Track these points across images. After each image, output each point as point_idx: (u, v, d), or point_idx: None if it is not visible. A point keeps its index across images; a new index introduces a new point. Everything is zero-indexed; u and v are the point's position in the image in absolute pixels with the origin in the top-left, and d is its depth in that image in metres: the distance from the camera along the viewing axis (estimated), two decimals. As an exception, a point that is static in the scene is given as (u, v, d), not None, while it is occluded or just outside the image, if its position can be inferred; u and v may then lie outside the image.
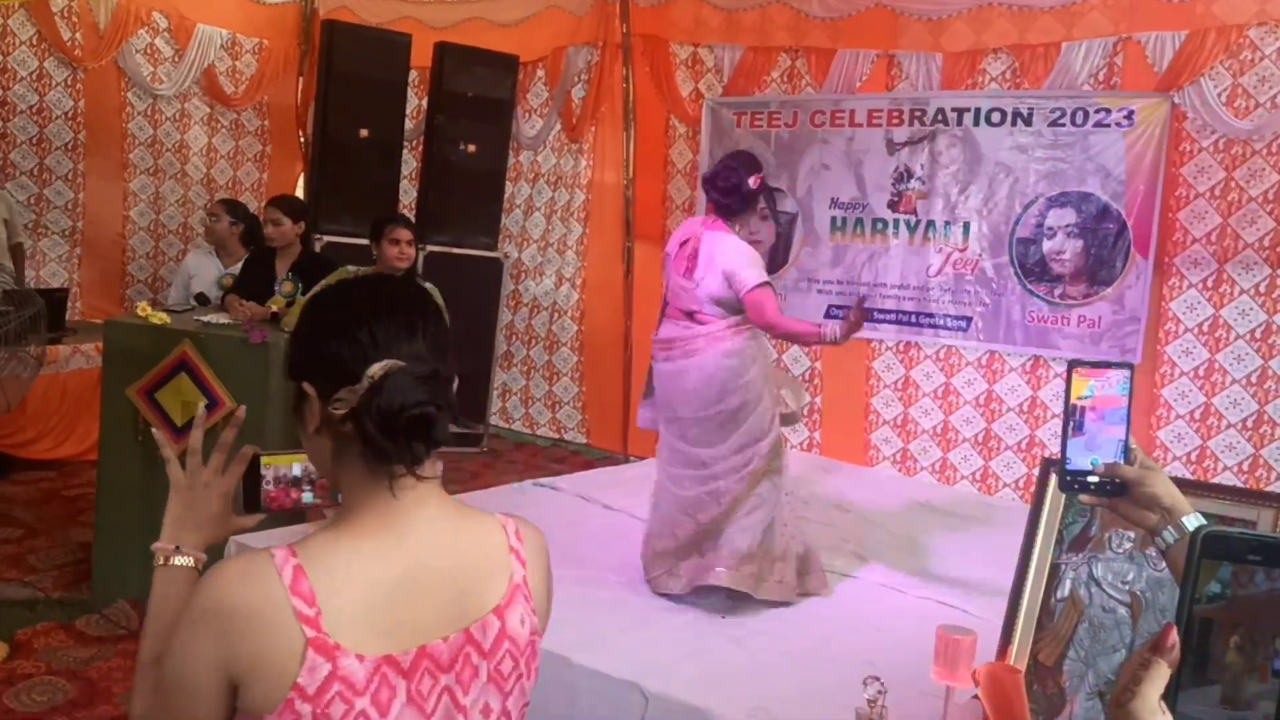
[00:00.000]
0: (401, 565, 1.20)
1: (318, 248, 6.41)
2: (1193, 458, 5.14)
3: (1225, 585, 0.76)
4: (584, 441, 7.40)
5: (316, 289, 4.34)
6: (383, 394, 1.16)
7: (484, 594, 1.24)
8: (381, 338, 1.19)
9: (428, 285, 4.55)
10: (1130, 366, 1.44)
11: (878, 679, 1.94)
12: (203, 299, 5.16)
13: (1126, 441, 1.39)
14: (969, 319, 5.74)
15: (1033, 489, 5.50)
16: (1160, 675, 0.75)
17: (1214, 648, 0.76)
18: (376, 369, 1.17)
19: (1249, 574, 0.75)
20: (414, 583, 1.20)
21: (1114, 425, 1.40)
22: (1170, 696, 0.75)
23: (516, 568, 1.27)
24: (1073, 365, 1.42)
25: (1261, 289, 4.96)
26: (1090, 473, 1.39)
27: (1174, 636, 0.76)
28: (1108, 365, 1.41)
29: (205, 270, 5.88)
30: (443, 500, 1.27)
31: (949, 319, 5.81)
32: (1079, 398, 1.41)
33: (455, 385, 1.33)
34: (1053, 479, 2.43)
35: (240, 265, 5.42)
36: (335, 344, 1.21)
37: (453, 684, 1.21)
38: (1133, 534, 2.31)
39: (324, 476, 1.34)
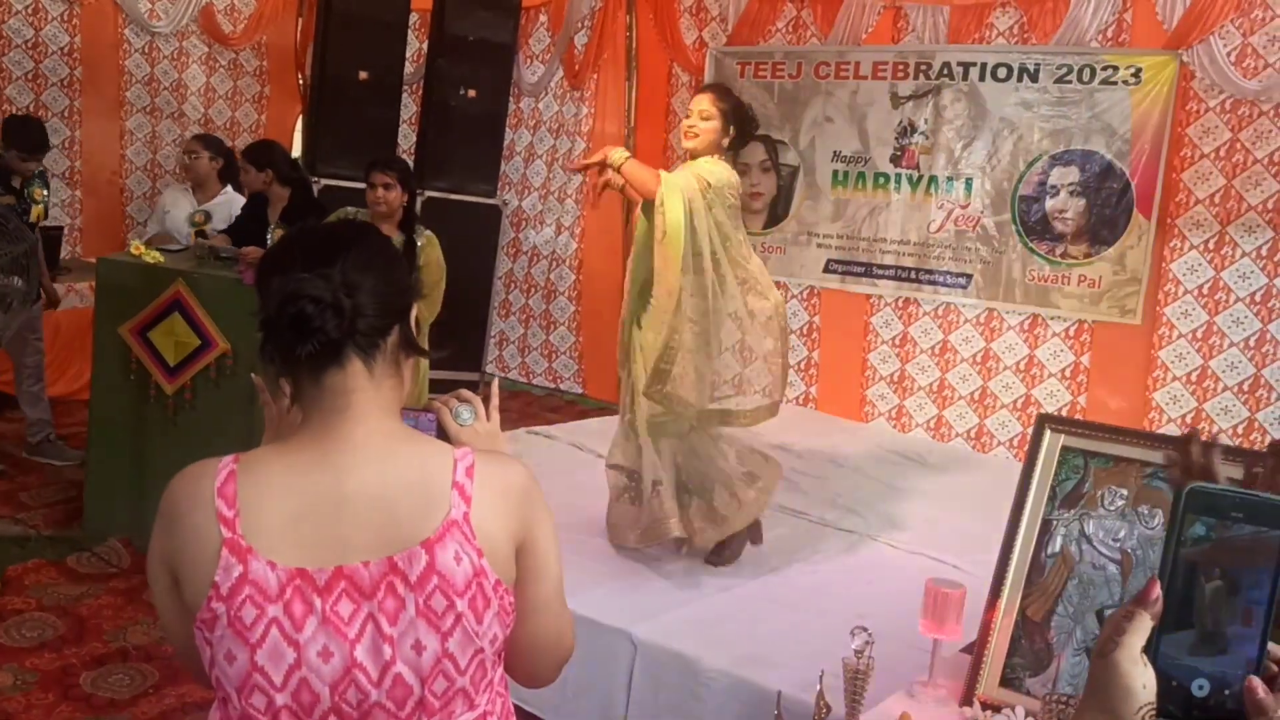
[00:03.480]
0: (328, 482, 1.22)
1: (315, 192, 6.37)
2: (1188, 420, 5.13)
3: (1210, 528, 0.75)
4: (580, 391, 7.39)
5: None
6: (268, 301, 1.22)
7: (415, 525, 1.21)
8: (300, 263, 1.22)
9: (425, 232, 4.52)
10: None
11: (865, 629, 1.93)
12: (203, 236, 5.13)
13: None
14: (969, 276, 5.71)
15: (1027, 447, 5.49)
16: (1143, 627, 0.74)
17: (1196, 591, 0.74)
18: (275, 282, 1.21)
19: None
20: (339, 502, 1.21)
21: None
22: (1152, 647, 0.74)
23: (457, 503, 1.22)
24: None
25: (1263, 252, 4.93)
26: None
27: (1157, 590, 0.75)
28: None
29: (179, 207, 5.83)
30: (383, 422, 1.27)
31: (949, 275, 5.78)
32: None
33: (414, 313, 1.34)
34: (1047, 433, 2.42)
35: (213, 202, 5.44)
36: (265, 278, 1.25)
37: (376, 611, 1.18)
38: (1125, 491, 2.30)
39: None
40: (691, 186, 3.54)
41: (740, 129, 3.73)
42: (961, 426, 5.84)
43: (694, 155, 3.69)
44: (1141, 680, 0.73)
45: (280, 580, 1.17)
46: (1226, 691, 0.74)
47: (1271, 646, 0.74)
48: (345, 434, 1.24)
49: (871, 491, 4.85)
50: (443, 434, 1.46)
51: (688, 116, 3.68)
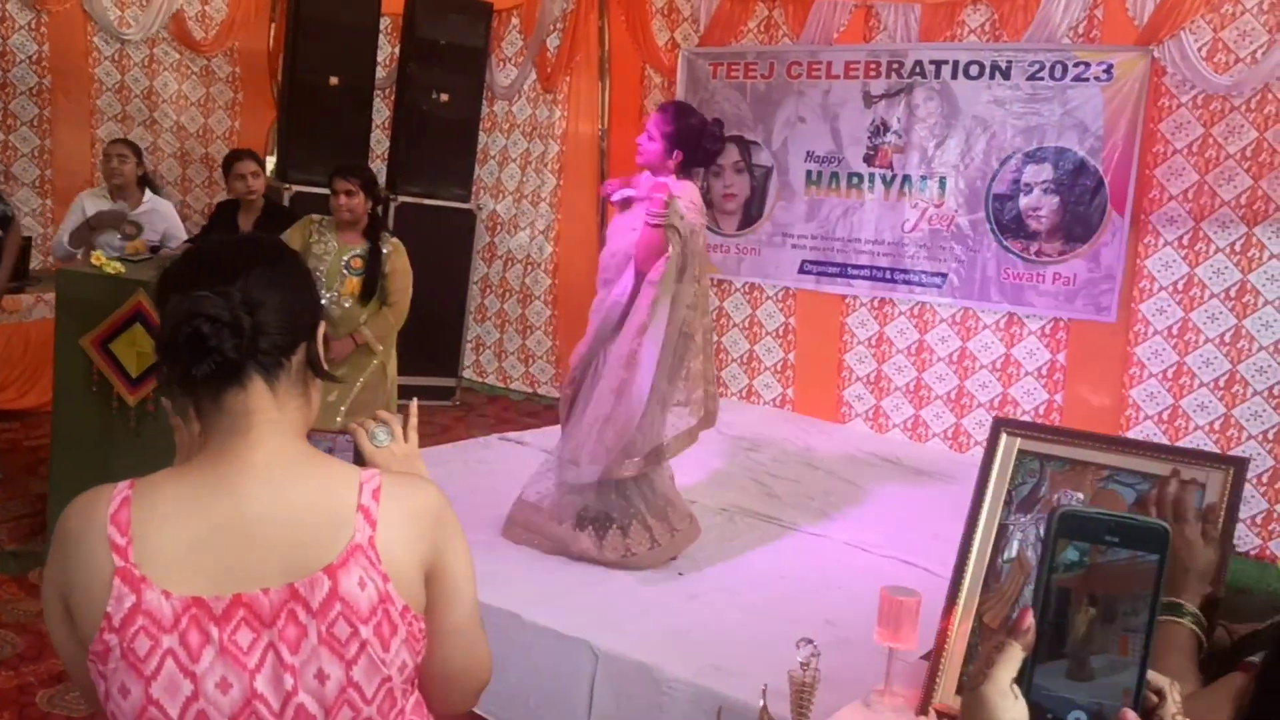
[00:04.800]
0: (226, 508, 1.17)
1: (286, 199, 6.32)
2: (1164, 417, 5.11)
3: (1084, 553, 0.71)
4: (558, 396, 7.32)
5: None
6: (163, 320, 1.17)
7: (317, 550, 1.16)
8: (201, 280, 1.18)
9: (392, 239, 4.47)
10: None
11: (810, 641, 1.90)
12: (156, 250, 5.00)
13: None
14: (944, 275, 5.68)
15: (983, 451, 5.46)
16: (1013, 658, 0.71)
17: (1070, 619, 0.71)
18: (172, 301, 1.17)
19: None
20: (238, 528, 1.16)
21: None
22: (1025, 678, 0.71)
23: (362, 527, 1.18)
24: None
25: (1237, 247, 4.90)
26: None
27: (1029, 619, 0.71)
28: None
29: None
30: (287, 445, 1.22)
31: (924, 275, 5.75)
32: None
33: (321, 331, 1.29)
34: (1003, 437, 2.39)
35: (139, 211, 5.19)
36: (164, 294, 1.21)
37: (276, 640, 1.14)
38: (1081, 495, 2.26)
39: None
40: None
41: (690, 153, 3.66)
42: (938, 426, 5.81)
43: (642, 169, 3.70)
44: (1010, 714, 0.70)
45: (175, 610, 1.13)
46: None
47: (1152, 675, 0.70)
48: (246, 457, 1.19)
49: (846, 494, 4.81)
50: (359, 456, 1.42)
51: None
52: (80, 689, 1.28)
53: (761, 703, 1.83)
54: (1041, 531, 2.29)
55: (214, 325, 1.15)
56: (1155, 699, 0.70)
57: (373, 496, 1.20)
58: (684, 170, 3.68)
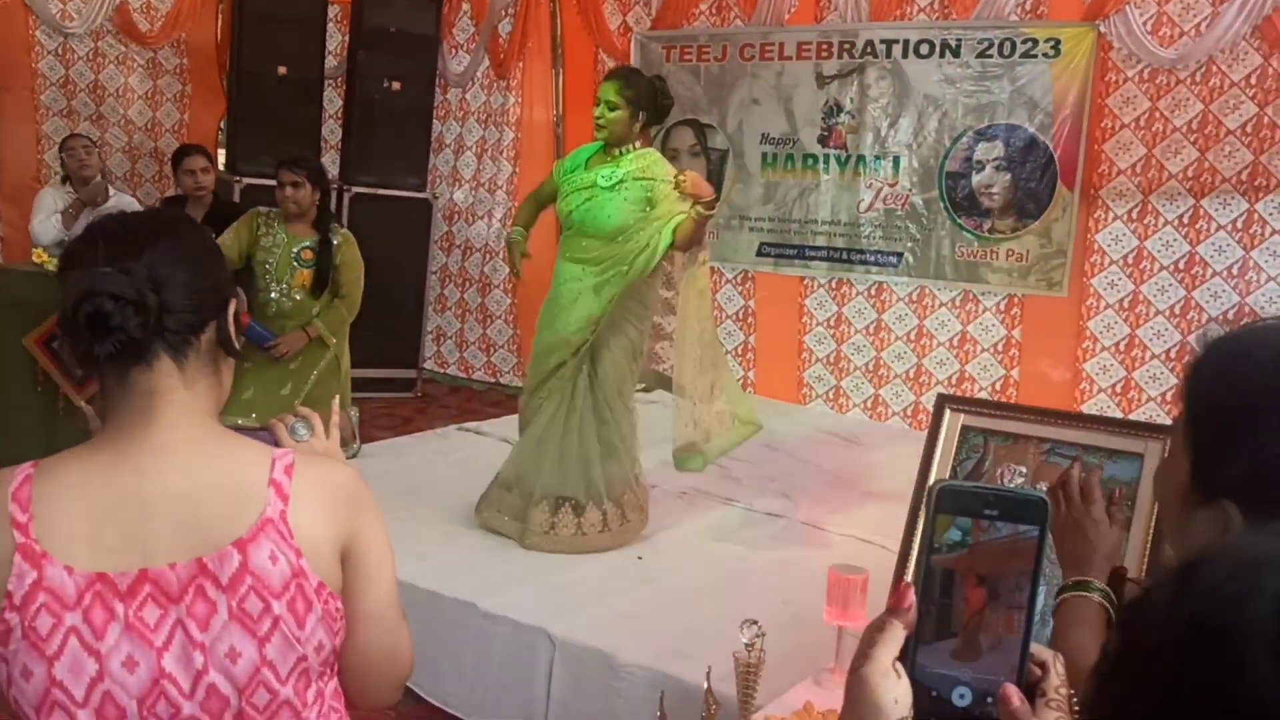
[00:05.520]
0: (130, 483, 1.15)
1: (237, 192, 6.24)
2: (1118, 389, 5.16)
3: (966, 532, 0.71)
4: (519, 385, 7.29)
5: (227, 233, 4.21)
6: (64, 297, 1.13)
7: (226, 525, 1.15)
8: (103, 257, 1.14)
9: (342, 230, 4.44)
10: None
11: (755, 622, 1.90)
12: None
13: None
14: (899, 255, 5.70)
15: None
16: (894, 637, 0.70)
17: (954, 598, 0.70)
18: (73, 278, 1.13)
19: (990, 521, 0.70)
20: (143, 503, 1.14)
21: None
22: (909, 656, 0.70)
23: (273, 501, 1.16)
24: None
25: (1185, 220, 4.95)
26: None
27: (910, 597, 0.70)
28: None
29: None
30: (195, 424, 1.20)
31: (880, 255, 5.77)
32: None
33: (232, 309, 1.27)
34: (947, 413, 2.40)
35: (108, 206, 5.12)
36: (65, 271, 1.17)
37: (184, 616, 1.13)
38: (1024, 468, 2.28)
39: None
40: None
41: (651, 110, 3.71)
42: (898, 405, 5.84)
43: (609, 144, 3.66)
44: (892, 694, 0.69)
45: (78, 586, 1.11)
46: (989, 700, 0.70)
47: (1035, 648, 0.70)
48: (149, 434, 1.17)
49: (805, 475, 4.82)
50: None
51: (595, 105, 3.64)
52: None
53: (705, 685, 1.83)
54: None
55: (117, 303, 1.11)
56: (1039, 672, 0.70)
57: (285, 472, 1.19)
58: (648, 128, 3.71)
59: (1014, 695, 0.67)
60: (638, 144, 3.74)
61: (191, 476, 1.17)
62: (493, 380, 7.37)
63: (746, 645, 1.88)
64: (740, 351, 6.32)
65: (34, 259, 4.18)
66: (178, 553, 1.14)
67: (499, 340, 7.37)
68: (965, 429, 2.36)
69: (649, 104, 3.66)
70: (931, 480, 2.38)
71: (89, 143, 5.20)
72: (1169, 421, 1.73)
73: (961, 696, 0.70)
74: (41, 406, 4.01)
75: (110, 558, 1.13)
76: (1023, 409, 2.35)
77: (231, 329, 1.26)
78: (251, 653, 1.14)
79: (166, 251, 1.17)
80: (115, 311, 1.11)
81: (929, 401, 5.70)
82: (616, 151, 3.66)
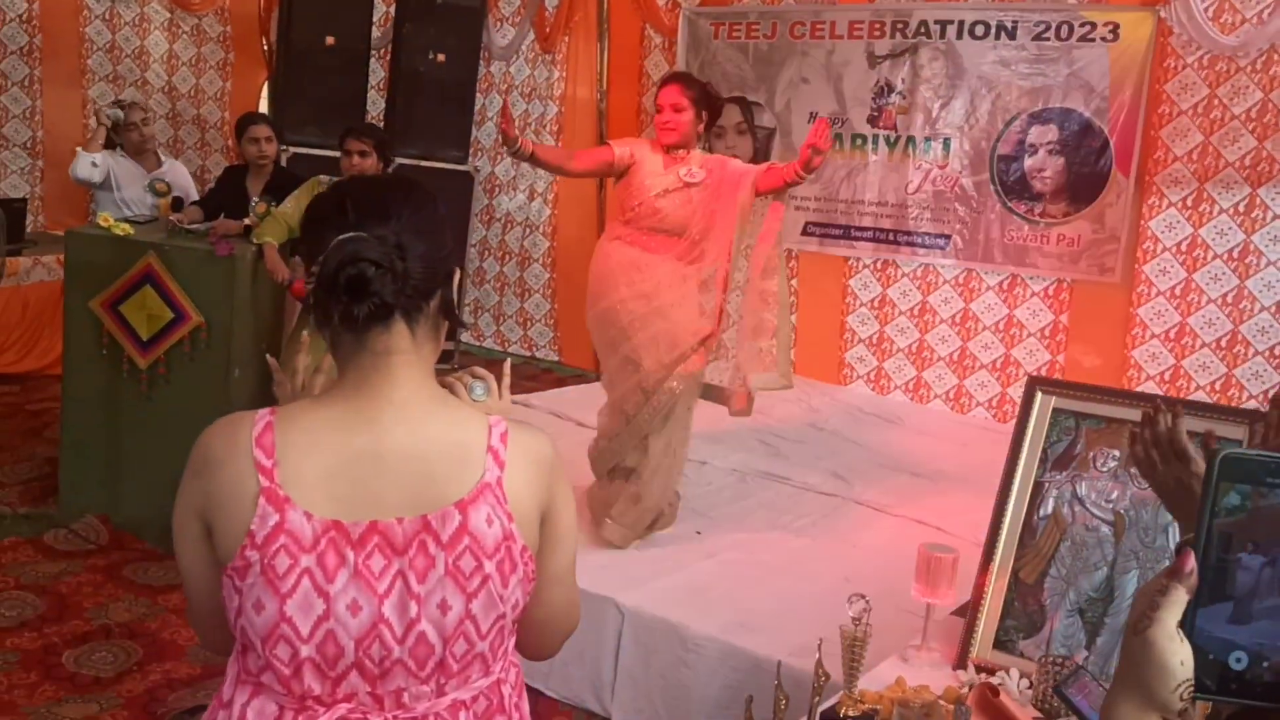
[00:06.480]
0: (365, 438, 1.22)
1: (284, 160, 6.25)
2: (1166, 377, 5.15)
3: (1245, 497, 0.72)
4: (556, 359, 7.34)
5: (289, 200, 4.23)
6: (327, 258, 1.18)
7: (449, 485, 1.22)
8: (353, 219, 1.20)
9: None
10: None
11: (863, 596, 1.92)
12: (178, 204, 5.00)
13: None
14: (947, 237, 5.69)
15: (1007, 408, 5.48)
16: (1178, 601, 0.72)
17: (1231, 562, 0.72)
18: (332, 239, 1.18)
19: (1270, 488, 0.72)
20: (375, 458, 1.21)
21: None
22: (1188, 621, 0.72)
23: (491, 467, 1.23)
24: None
25: (1240, 208, 4.93)
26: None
27: (1192, 562, 0.72)
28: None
29: (131, 175, 5.56)
30: (422, 385, 1.26)
31: (927, 237, 5.76)
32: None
33: (456, 279, 1.33)
34: (1039, 395, 2.41)
35: (160, 170, 5.24)
36: (317, 228, 1.22)
37: (406, 568, 1.19)
38: (1117, 452, 2.29)
39: None
40: None
41: (711, 113, 3.72)
42: (940, 388, 5.84)
43: (677, 145, 3.63)
44: (1179, 656, 0.71)
45: (315, 531, 1.18)
46: (1265, 664, 0.72)
47: None
48: (385, 393, 1.23)
49: (852, 455, 4.84)
50: None
51: (659, 111, 3.61)
52: (194, 612, 1.33)
53: (817, 656, 1.86)
54: (1078, 490, 2.32)
55: (377, 270, 1.17)
56: None
57: (501, 440, 1.25)
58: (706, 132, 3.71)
59: None
60: (699, 146, 3.73)
61: (420, 436, 1.23)
62: (529, 354, 7.40)
63: (854, 619, 1.90)
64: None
65: (99, 222, 4.20)
66: (405, 507, 1.20)
67: (536, 314, 7.40)
68: (1056, 411, 2.37)
69: (709, 104, 3.67)
70: (1021, 462, 2.39)
71: (144, 113, 5.29)
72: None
73: (1239, 660, 0.72)
74: (106, 369, 4.04)
75: (343, 506, 1.19)
76: (1118, 392, 2.36)
77: (454, 296, 1.32)
78: (460, 607, 1.20)
79: (410, 220, 1.22)
80: (375, 277, 1.17)
81: (972, 385, 5.74)
82: (682, 152, 3.65)
